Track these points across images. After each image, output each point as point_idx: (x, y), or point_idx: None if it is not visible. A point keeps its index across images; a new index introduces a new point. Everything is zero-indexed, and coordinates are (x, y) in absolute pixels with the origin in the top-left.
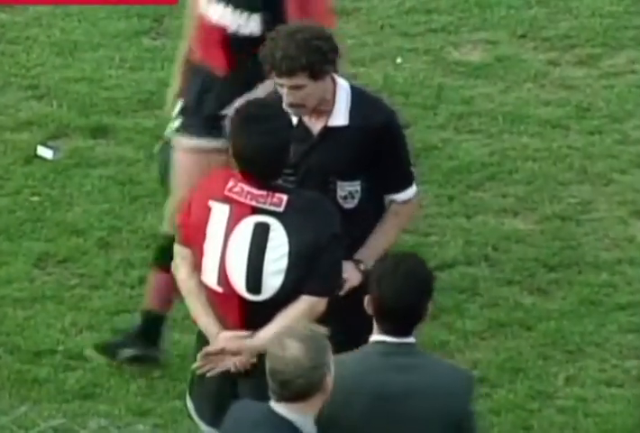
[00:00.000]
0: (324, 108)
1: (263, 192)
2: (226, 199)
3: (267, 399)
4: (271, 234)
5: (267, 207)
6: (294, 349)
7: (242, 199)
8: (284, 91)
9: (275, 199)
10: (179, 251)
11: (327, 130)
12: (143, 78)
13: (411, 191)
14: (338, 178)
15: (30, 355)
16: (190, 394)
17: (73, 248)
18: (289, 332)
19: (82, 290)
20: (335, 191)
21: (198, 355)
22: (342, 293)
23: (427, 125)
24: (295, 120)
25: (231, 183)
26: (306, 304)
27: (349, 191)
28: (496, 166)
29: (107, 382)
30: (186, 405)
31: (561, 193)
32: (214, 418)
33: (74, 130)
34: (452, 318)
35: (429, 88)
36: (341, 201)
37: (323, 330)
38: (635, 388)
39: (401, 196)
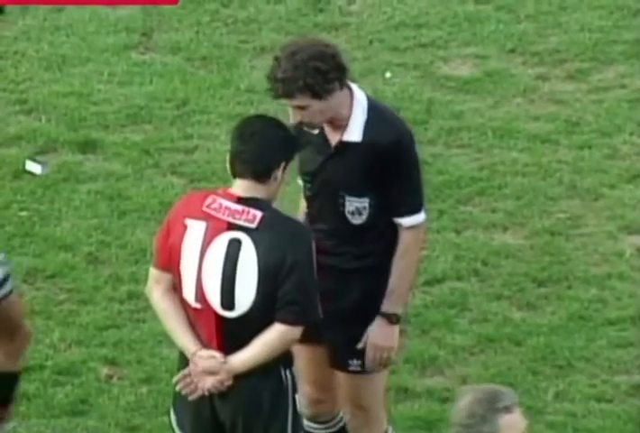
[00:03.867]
0: (340, 122)
1: (240, 208)
2: (203, 216)
3: (241, 417)
4: (242, 251)
5: (241, 222)
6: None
7: (219, 215)
8: (290, 110)
9: (250, 216)
10: (154, 274)
11: (342, 144)
12: (132, 93)
13: (417, 218)
14: (347, 193)
15: None
16: (173, 407)
17: (62, 263)
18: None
19: (71, 305)
20: (344, 206)
21: (177, 376)
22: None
23: (417, 140)
24: (317, 130)
25: (209, 200)
26: (277, 332)
27: (356, 207)
28: (485, 181)
29: (96, 397)
30: (170, 418)
31: (550, 208)
32: (193, 430)
33: (62, 145)
34: (442, 333)
35: (418, 103)
36: (349, 216)
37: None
38: (624, 403)
39: (406, 221)
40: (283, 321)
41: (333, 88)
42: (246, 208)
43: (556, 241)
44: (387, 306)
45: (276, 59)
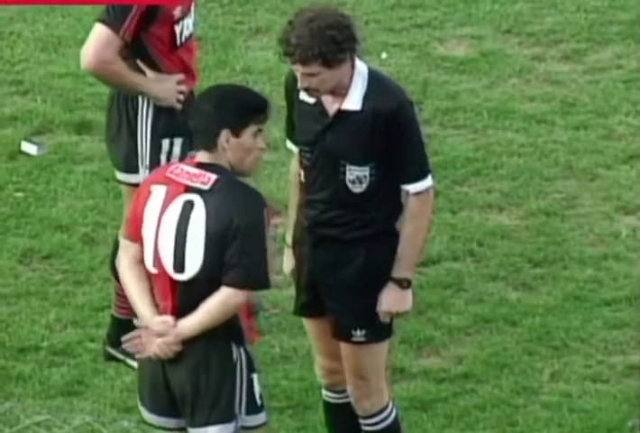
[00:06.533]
0: (339, 91)
1: (198, 171)
2: (165, 181)
3: (189, 389)
4: (193, 212)
5: (197, 185)
6: None
7: (178, 179)
8: (298, 76)
9: (205, 178)
10: (124, 244)
11: (340, 113)
12: None
13: (424, 184)
14: (348, 161)
15: (14, 352)
16: (138, 385)
17: (57, 244)
18: None
19: (66, 285)
20: (345, 174)
21: (125, 336)
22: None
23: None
24: (313, 99)
25: (173, 166)
26: (221, 295)
27: (357, 176)
28: (481, 161)
29: (92, 378)
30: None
31: (546, 188)
32: (152, 404)
33: (58, 125)
34: (438, 314)
35: (414, 84)
36: (349, 185)
37: None
38: (620, 384)
39: (413, 187)
40: (227, 284)
41: (343, 59)
42: (203, 172)
43: (552, 221)
44: (397, 271)
45: (290, 23)
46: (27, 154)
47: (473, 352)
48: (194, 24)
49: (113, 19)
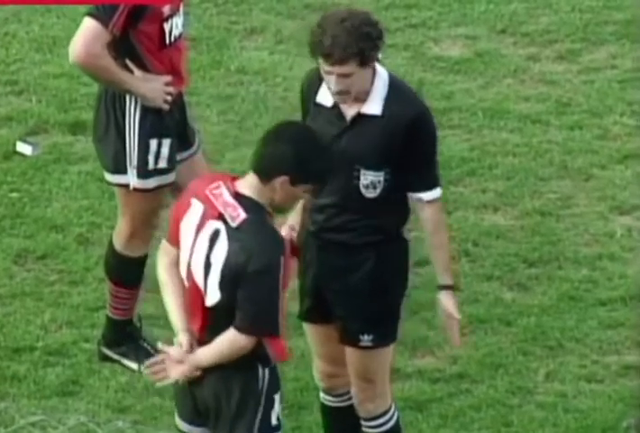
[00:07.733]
0: (359, 95)
1: (232, 202)
2: (204, 199)
3: (213, 407)
4: (218, 244)
5: (227, 216)
6: None
7: (215, 202)
8: (332, 79)
9: (235, 213)
10: (164, 246)
11: (360, 116)
12: None
13: (437, 192)
14: (363, 166)
15: (9, 352)
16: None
17: (52, 244)
18: None
19: (61, 286)
20: (359, 179)
21: (147, 362)
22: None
23: None
24: (330, 102)
25: (215, 184)
26: (228, 336)
27: (371, 181)
28: (476, 161)
29: (87, 378)
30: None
31: (541, 188)
32: (180, 410)
33: (53, 126)
34: (432, 314)
35: (409, 84)
36: (363, 190)
37: None
38: (615, 384)
39: (427, 195)
40: (234, 326)
41: (376, 56)
42: (237, 205)
43: (547, 221)
44: (442, 279)
45: (319, 26)
46: (22, 154)
47: (468, 352)
48: (183, 25)
49: (102, 13)
